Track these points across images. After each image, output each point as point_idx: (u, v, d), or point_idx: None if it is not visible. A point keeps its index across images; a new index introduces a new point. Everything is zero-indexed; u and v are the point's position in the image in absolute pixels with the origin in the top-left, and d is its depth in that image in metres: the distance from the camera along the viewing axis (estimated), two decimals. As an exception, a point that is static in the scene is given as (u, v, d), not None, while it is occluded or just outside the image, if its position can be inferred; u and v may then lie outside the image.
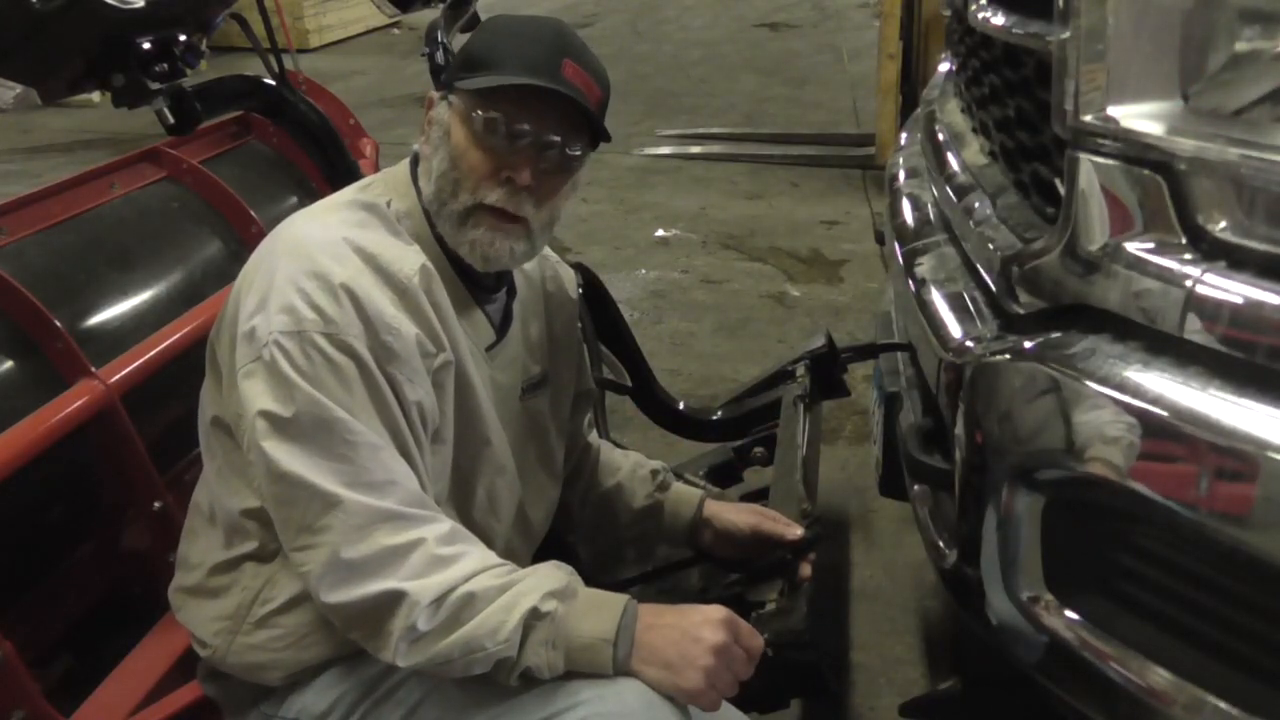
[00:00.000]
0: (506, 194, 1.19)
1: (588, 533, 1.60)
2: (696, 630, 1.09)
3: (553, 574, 1.11)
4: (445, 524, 1.11)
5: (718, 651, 1.08)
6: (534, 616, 1.06)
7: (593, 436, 1.60)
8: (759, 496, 1.81)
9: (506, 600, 1.06)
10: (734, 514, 1.51)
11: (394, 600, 1.05)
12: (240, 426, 1.14)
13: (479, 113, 1.18)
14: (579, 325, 1.52)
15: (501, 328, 1.34)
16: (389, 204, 1.24)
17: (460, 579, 1.07)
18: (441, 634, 1.06)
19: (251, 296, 1.14)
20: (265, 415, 1.08)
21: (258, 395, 1.09)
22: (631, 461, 1.59)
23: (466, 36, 1.58)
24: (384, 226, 1.21)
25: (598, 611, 1.09)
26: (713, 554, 1.53)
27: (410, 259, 1.18)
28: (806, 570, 1.39)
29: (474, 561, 1.09)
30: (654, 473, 1.56)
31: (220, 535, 1.24)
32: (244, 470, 1.18)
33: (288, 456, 1.06)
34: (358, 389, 1.09)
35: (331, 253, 1.14)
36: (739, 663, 1.10)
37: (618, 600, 1.11)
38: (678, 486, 1.57)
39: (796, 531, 1.44)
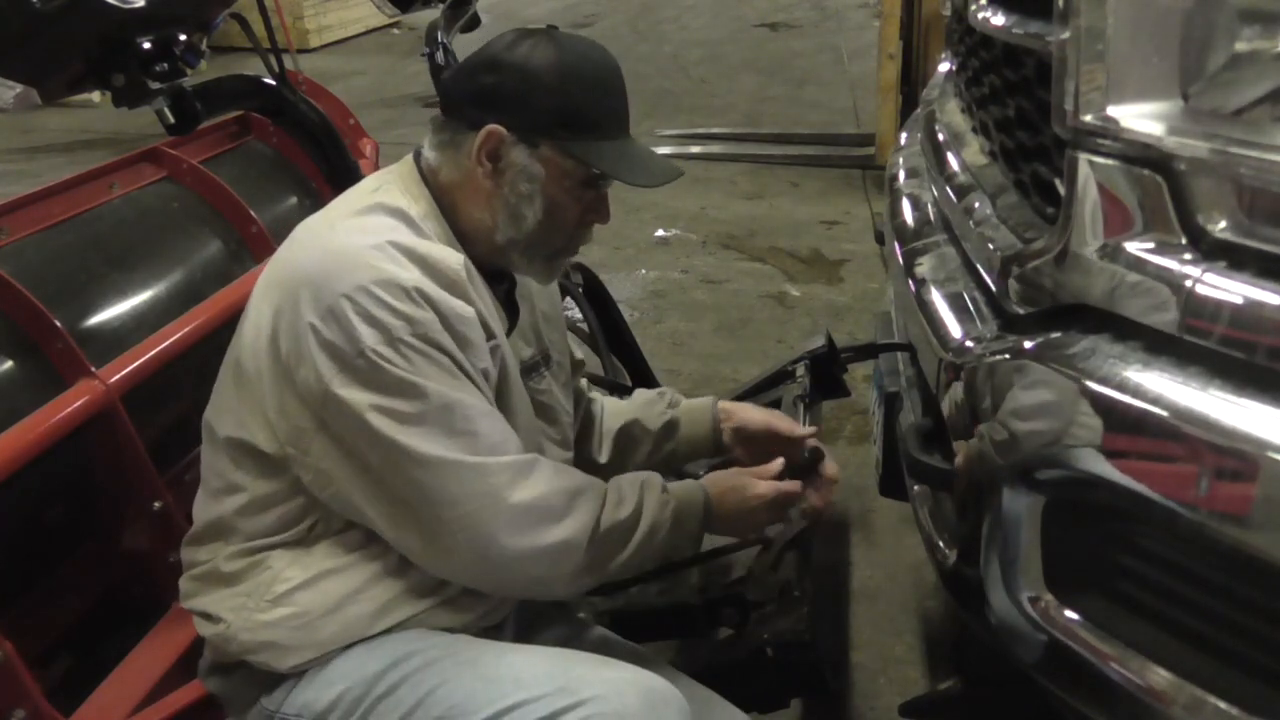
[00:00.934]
0: (589, 235, 1.34)
1: (612, 474, 1.62)
2: (751, 516, 1.39)
3: (654, 491, 1.30)
4: (545, 460, 1.24)
5: (767, 519, 1.43)
6: (674, 530, 1.31)
7: (594, 393, 1.65)
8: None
9: (649, 523, 1.28)
10: (749, 411, 1.62)
11: (564, 548, 1.20)
12: (306, 438, 1.18)
13: (585, 173, 1.26)
14: (558, 294, 1.55)
15: (511, 316, 1.37)
16: (409, 208, 1.25)
17: (597, 511, 1.23)
18: (605, 564, 1.25)
19: (307, 310, 1.14)
20: (386, 413, 1.14)
21: (367, 399, 1.14)
22: (635, 395, 1.66)
23: (467, 37, 1.57)
24: (411, 231, 1.23)
25: (691, 505, 1.34)
26: (734, 455, 1.61)
27: (451, 256, 1.22)
28: (814, 499, 1.50)
29: (597, 493, 1.26)
30: (660, 394, 1.63)
31: (240, 537, 1.24)
32: (278, 476, 1.21)
33: (425, 443, 1.14)
34: (456, 373, 1.18)
35: (388, 257, 1.17)
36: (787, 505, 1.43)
37: (698, 497, 1.35)
38: (687, 400, 1.63)
39: (807, 429, 1.57)
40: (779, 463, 1.43)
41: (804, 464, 1.46)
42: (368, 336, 1.12)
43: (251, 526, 1.23)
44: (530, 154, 1.24)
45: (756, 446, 1.57)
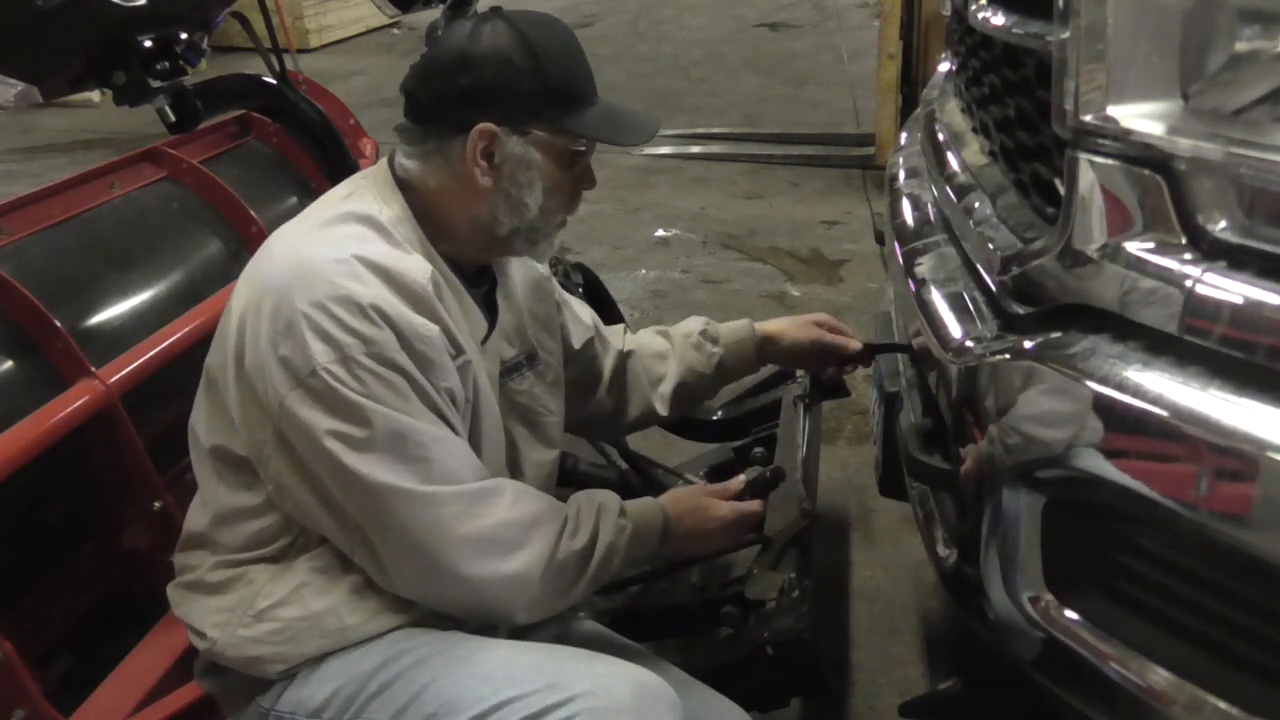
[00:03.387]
0: (580, 201, 1.33)
1: (673, 412, 1.68)
2: (709, 538, 1.40)
3: (609, 517, 1.29)
4: (507, 486, 1.23)
5: (725, 541, 1.45)
6: (629, 553, 1.30)
7: (624, 340, 1.66)
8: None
9: (604, 550, 1.26)
10: (794, 330, 1.66)
11: (517, 580, 1.19)
12: (266, 451, 1.17)
13: (578, 146, 1.26)
14: (551, 291, 1.54)
15: (490, 317, 1.36)
16: (380, 213, 1.24)
17: (553, 542, 1.22)
18: (563, 593, 1.24)
19: (268, 323, 1.14)
20: (338, 437, 1.12)
21: (320, 420, 1.12)
22: (674, 335, 1.66)
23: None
24: (382, 238, 1.22)
25: (649, 527, 1.33)
26: (778, 363, 1.69)
27: (419, 267, 1.20)
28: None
29: (554, 524, 1.24)
30: (701, 334, 1.64)
31: (221, 548, 1.25)
32: (255, 488, 1.21)
33: (376, 469, 1.13)
34: (410, 396, 1.15)
35: (348, 272, 1.15)
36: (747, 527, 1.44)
37: (657, 519, 1.34)
38: (725, 328, 1.66)
39: (856, 345, 1.63)
40: (739, 480, 1.44)
41: (765, 483, 1.46)
42: (320, 354, 1.12)
43: (230, 539, 1.24)
44: (523, 142, 1.23)
45: (808, 355, 1.66)
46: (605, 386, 1.64)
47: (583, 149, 1.27)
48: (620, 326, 1.70)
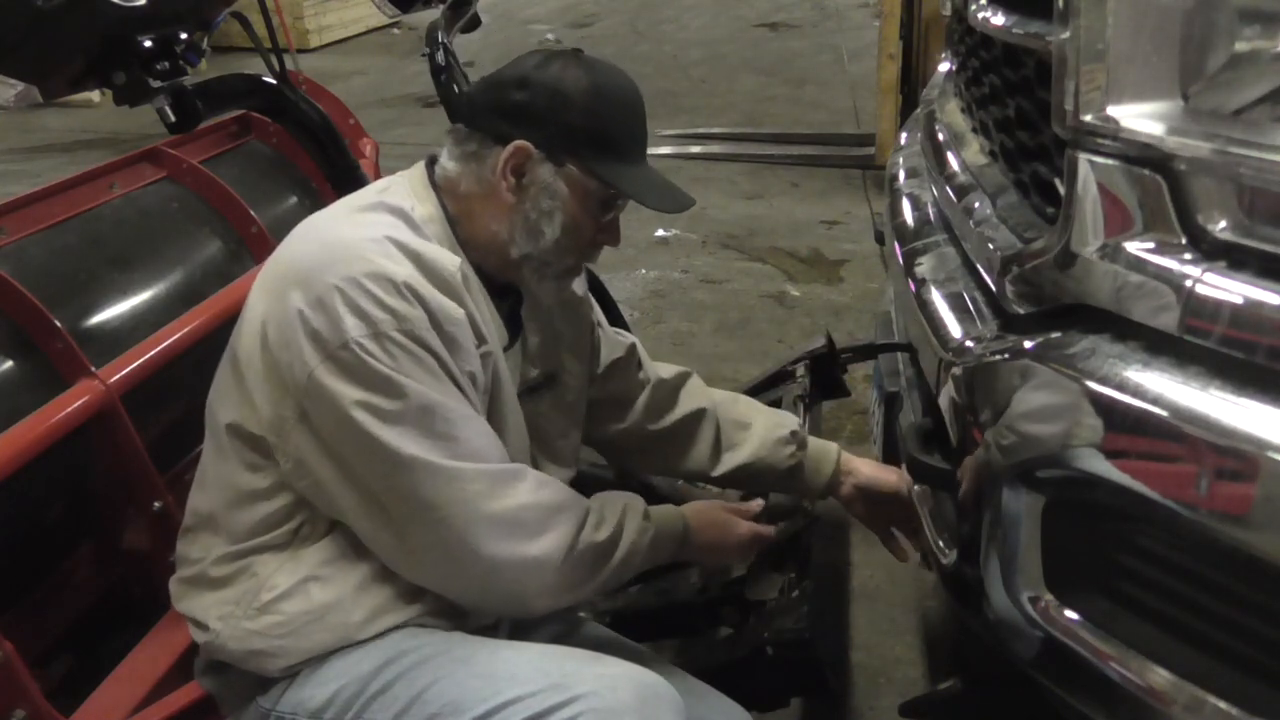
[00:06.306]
0: (598, 253, 1.35)
1: (723, 482, 1.64)
2: (724, 553, 1.45)
3: (635, 518, 1.30)
4: (529, 472, 1.23)
5: (737, 558, 1.51)
6: (648, 556, 1.31)
7: (704, 396, 1.60)
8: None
9: (626, 548, 1.27)
10: (877, 470, 1.60)
11: (536, 564, 1.19)
12: (287, 427, 1.17)
13: (608, 195, 1.27)
14: (587, 314, 1.52)
15: (512, 332, 1.36)
16: (412, 209, 1.26)
17: (575, 531, 1.22)
18: (580, 584, 1.24)
19: (298, 297, 1.15)
20: (367, 408, 1.13)
21: (348, 391, 1.13)
22: (764, 423, 1.59)
23: (472, 43, 1.57)
24: (412, 231, 1.23)
25: (670, 534, 1.35)
26: (845, 505, 1.60)
27: (448, 257, 1.22)
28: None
29: (577, 514, 1.24)
30: (791, 433, 1.58)
31: (226, 534, 1.25)
32: (266, 470, 1.21)
33: (404, 441, 1.13)
34: (440, 374, 1.17)
35: (382, 252, 1.17)
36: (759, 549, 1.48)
37: (678, 527, 1.36)
38: (814, 442, 1.60)
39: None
40: (759, 503, 1.46)
41: (786, 508, 1.47)
42: (353, 328, 1.12)
43: (238, 523, 1.23)
44: (555, 172, 1.25)
45: (877, 507, 1.58)
46: (664, 425, 1.58)
47: (612, 199, 1.28)
48: (677, 367, 1.65)
